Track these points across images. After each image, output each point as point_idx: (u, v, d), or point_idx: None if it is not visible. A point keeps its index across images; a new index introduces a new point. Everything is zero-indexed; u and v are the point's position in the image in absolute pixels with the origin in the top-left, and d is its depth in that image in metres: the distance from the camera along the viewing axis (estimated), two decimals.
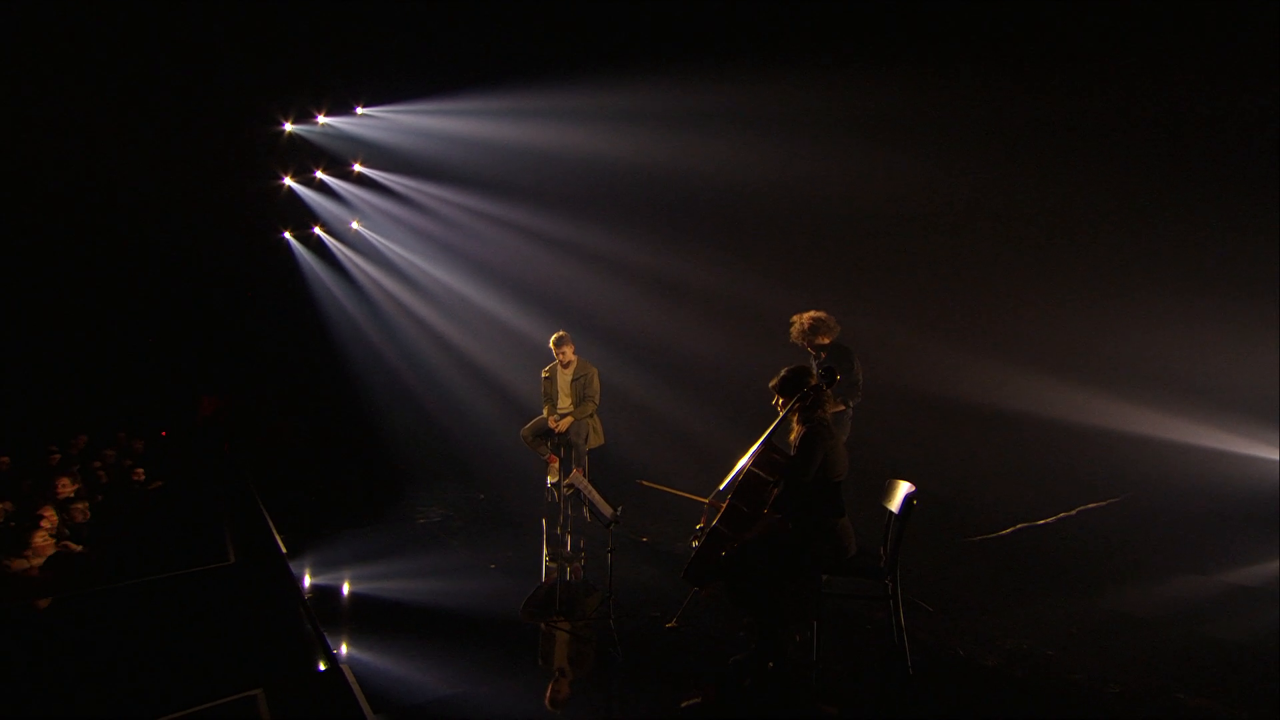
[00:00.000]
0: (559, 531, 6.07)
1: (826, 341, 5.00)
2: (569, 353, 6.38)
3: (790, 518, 3.75)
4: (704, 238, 7.74)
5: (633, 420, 7.41)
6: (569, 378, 6.41)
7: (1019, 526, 5.51)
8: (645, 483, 4.39)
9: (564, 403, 6.42)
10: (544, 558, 5.57)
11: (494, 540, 6.00)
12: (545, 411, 6.41)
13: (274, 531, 5.71)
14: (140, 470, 7.80)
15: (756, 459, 3.76)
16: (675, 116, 7.32)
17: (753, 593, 3.62)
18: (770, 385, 3.91)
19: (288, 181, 9.99)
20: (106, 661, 3.73)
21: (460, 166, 9.01)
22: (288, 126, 9.04)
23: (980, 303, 6.25)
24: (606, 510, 4.21)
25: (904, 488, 3.64)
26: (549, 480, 6.45)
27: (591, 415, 6.40)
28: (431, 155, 9.05)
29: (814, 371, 5.50)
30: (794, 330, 5.02)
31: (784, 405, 3.85)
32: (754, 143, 6.99)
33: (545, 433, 6.40)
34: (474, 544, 5.89)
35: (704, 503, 4.05)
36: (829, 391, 3.82)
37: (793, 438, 3.82)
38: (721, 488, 3.86)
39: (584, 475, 6.18)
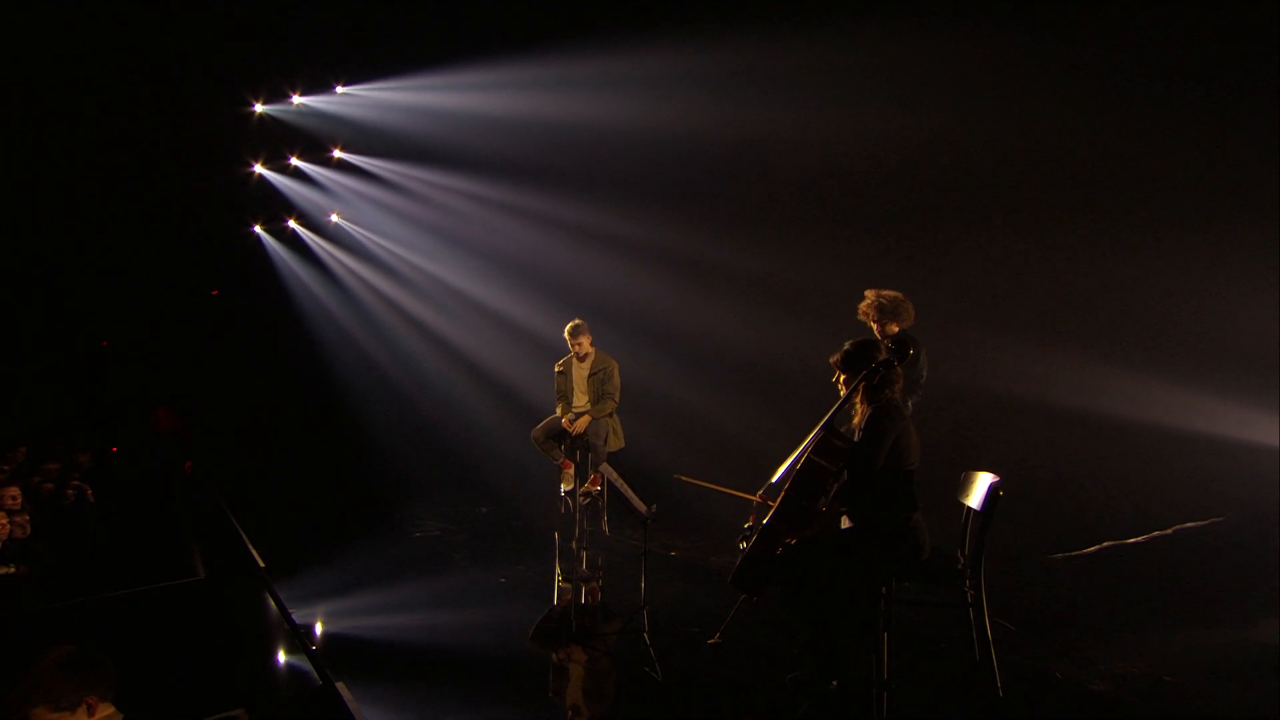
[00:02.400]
0: (574, 547, 6.00)
1: (896, 329, 4.93)
2: (586, 344, 6.30)
3: (855, 513, 3.63)
4: (730, 212, 7.68)
5: (655, 418, 7.31)
6: (586, 372, 6.33)
7: (1105, 545, 5.39)
8: (682, 477, 4.30)
9: (580, 400, 6.35)
10: (556, 577, 5.52)
11: (500, 556, 5.94)
12: (559, 410, 6.32)
13: (249, 545, 5.62)
14: (86, 486, 7.74)
15: (816, 446, 3.64)
16: (689, 79, 7.28)
17: (813, 600, 3.51)
18: (831, 360, 3.82)
19: (258, 169, 9.93)
20: None
21: (455, 147, 8.98)
22: (258, 107, 9.00)
23: (1066, 289, 6.15)
24: (641, 506, 4.11)
25: (985, 479, 3.53)
26: (562, 488, 6.36)
27: (611, 414, 6.32)
28: (422, 136, 9.02)
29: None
30: (865, 305, 4.94)
31: (847, 383, 3.75)
32: (784, 103, 6.92)
33: (559, 434, 6.32)
34: (478, 560, 5.84)
35: (751, 500, 3.96)
36: (900, 368, 3.71)
37: (856, 421, 3.73)
38: (774, 480, 3.75)
39: (602, 481, 6.12)
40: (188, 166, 9.24)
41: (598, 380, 6.31)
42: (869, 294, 4.99)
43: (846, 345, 3.80)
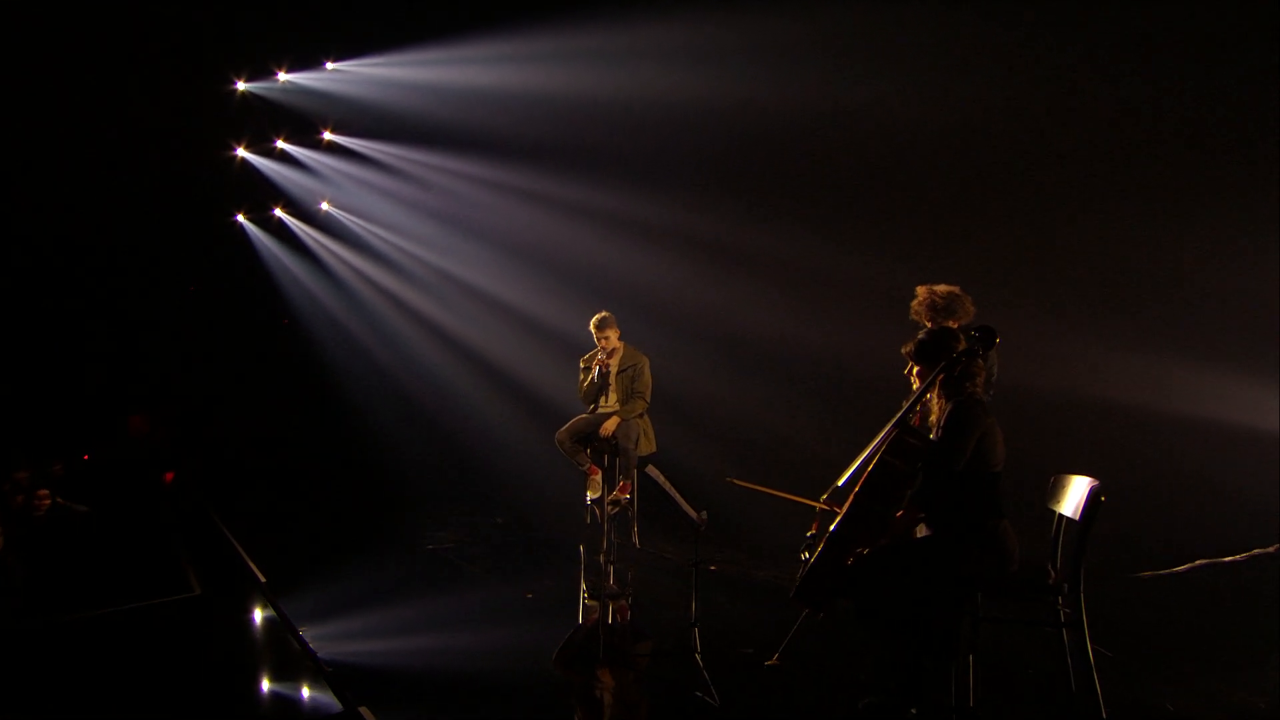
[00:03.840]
0: (601, 561, 5.90)
1: (954, 326, 4.77)
2: (613, 338, 6.23)
3: (935, 520, 3.54)
4: (767, 194, 7.61)
5: (688, 420, 7.28)
6: (614, 369, 6.27)
7: (1199, 563, 5.28)
8: (735, 481, 4.22)
9: (609, 400, 6.30)
10: (582, 594, 5.44)
11: (521, 571, 5.90)
12: (586, 393, 6.32)
13: (246, 559, 5.55)
14: (57, 496, 7.67)
15: (889, 445, 3.56)
16: (726, 47, 7.23)
17: (889, 617, 3.41)
18: (904, 351, 3.76)
19: (241, 152, 9.86)
20: (65, 706, 3.61)
21: (458, 127, 8.92)
22: (240, 85, 8.92)
23: (1152, 280, 6.05)
24: (692, 513, 4.02)
25: (1081, 483, 3.43)
26: (588, 496, 6.29)
27: (642, 415, 6.26)
28: (421, 115, 8.95)
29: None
30: (918, 303, 4.87)
31: (921, 376, 3.68)
32: (835, 76, 6.86)
33: (586, 437, 6.24)
34: (497, 575, 5.80)
35: (814, 506, 3.88)
36: (983, 360, 3.61)
37: (933, 418, 3.65)
38: (840, 484, 3.68)
39: (633, 488, 6.06)
40: (162, 150, 9.17)
41: (626, 378, 6.25)
42: (920, 291, 4.92)
43: (922, 334, 3.74)
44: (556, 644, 4.48)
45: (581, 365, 6.44)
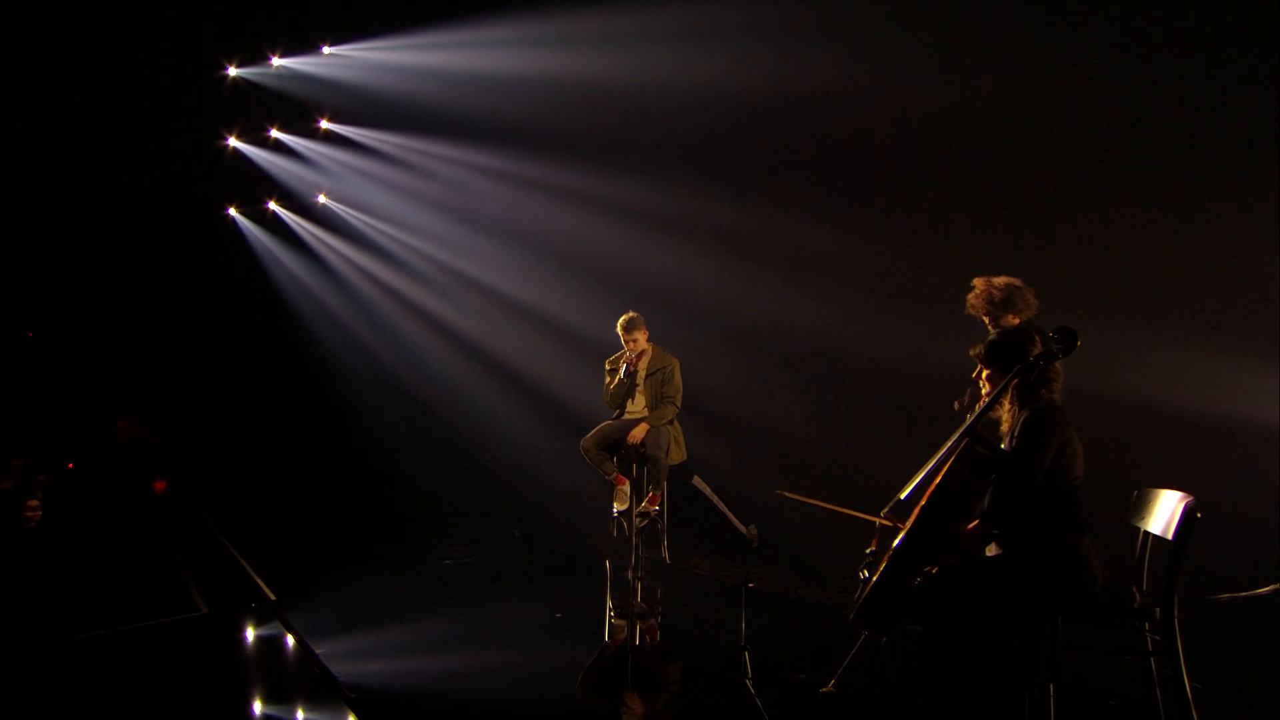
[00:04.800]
0: (629, 577, 5.73)
1: (1015, 321, 4.79)
2: (642, 340, 6.19)
3: (1009, 537, 3.44)
4: (805, 186, 7.53)
5: (722, 427, 7.25)
6: (642, 372, 6.23)
7: None
8: (785, 493, 4.13)
9: (636, 404, 6.25)
10: (608, 612, 5.40)
11: (543, 587, 5.87)
12: (612, 395, 6.30)
13: (253, 575, 5.47)
14: (38, 506, 7.63)
15: (958, 455, 3.46)
16: (761, 26, 7.18)
17: (961, 642, 3.31)
18: (973, 353, 3.67)
19: (232, 142, 9.76)
20: None
21: (466, 114, 8.86)
22: (232, 70, 8.87)
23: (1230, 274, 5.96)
24: (742, 528, 3.95)
25: (1172, 499, 3.34)
26: (615, 508, 6.25)
27: (672, 421, 6.20)
28: (425, 102, 8.91)
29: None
30: (974, 296, 4.84)
31: (992, 380, 3.61)
32: (884, 58, 6.79)
33: (613, 444, 6.19)
34: (519, 591, 5.80)
35: (873, 521, 3.81)
36: (1061, 364, 3.51)
37: (1006, 426, 3.58)
38: (903, 497, 3.60)
39: (663, 499, 6.00)
40: (148, 140, 9.08)
41: (656, 381, 6.20)
42: (977, 283, 4.88)
43: (994, 335, 3.66)
44: (581, 666, 4.44)
45: (607, 367, 6.39)
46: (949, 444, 3.52)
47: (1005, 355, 3.54)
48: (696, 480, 4.14)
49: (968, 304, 4.89)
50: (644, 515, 6.05)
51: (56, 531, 7.10)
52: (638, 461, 6.20)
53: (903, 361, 6.54)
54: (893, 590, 3.45)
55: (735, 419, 7.46)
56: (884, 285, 6.99)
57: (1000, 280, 4.81)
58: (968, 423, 3.56)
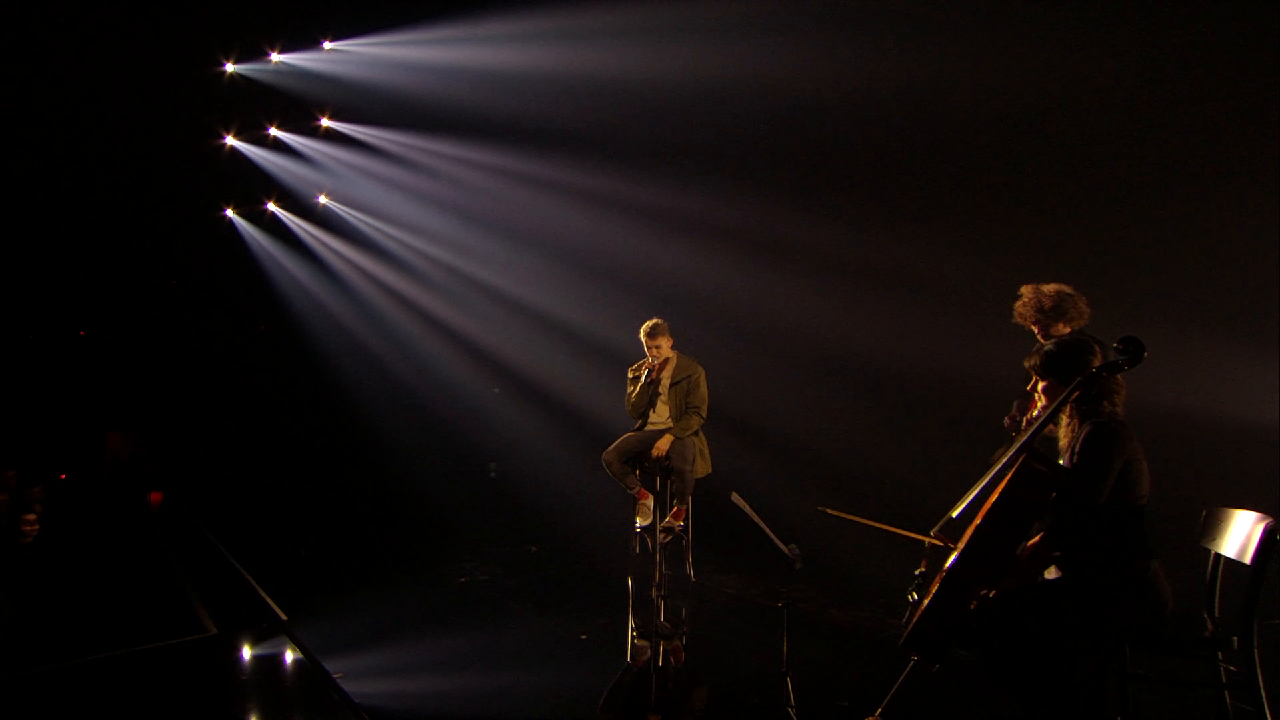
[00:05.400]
0: (653, 596, 5.79)
1: (1066, 330, 4.74)
2: (665, 347, 6.15)
3: (1072, 559, 3.35)
4: (837, 188, 7.49)
5: (747, 439, 7.19)
6: (666, 380, 6.19)
7: None
8: (827, 510, 4.06)
9: (660, 414, 6.21)
10: (630, 632, 5.36)
11: (562, 605, 5.86)
12: (634, 404, 6.25)
13: (263, 594, 5.46)
14: (35, 520, 7.61)
15: (1016, 473, 3.37)
16: (790, 15, 7.12)
17: (1023, 673, 3.22)
18: (1028, 364, 3.59)
19: (230, 141, 9.76)
20: None
21: (478, 112, 8.83)
22: (229, 66, 8.88)
23: None
24: (783, 546, 3.89)
25: (1247, 520, 3.24)
26: (638, 523, 6.20)
27: (697, 432, 6.17)
28: (430, 99, 8.89)
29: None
30: (1022, 304, 4.79)
31: (1049, 392, 3.52)
32: (920, 45, 6.79)
33: (636, 457, 6.16)
34: (537, 610, 5.79)
35: (922, 540, 3.77)
36: (1123, 376, 3.42)
37: (1064, 442, 3.48)
38: (954, 515, 3.50)
39: (688, 514, 5.97)
40: (143, 139, 9.09)
41: (680, 391, 6.15)
42: (1025, 291, 4.82)
43: (1049, 344, 3.57)
44: (602, 689, 4.41)
45: (629, 375, 6.36)
46: (1003, 460, 3.43)
47: (1064, 366, 3.45)
48: (735, 497, 4.08)
49: (1015, 312, 4.84)
50: (668, 531, 6.00)
51: (54, 547, 7.08)
52: (662, 475, 6.16)
53: (946, 370, 6.49)
54: (946, 614, 3.36)
55: (764, 429, 7.41)
56: (929, 290, 6.93)
57: (1050, 287, 4.75)
58: (1023, 438, 3.46)
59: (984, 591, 3.35)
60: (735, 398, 6.98)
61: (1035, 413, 5.14)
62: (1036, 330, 4.82)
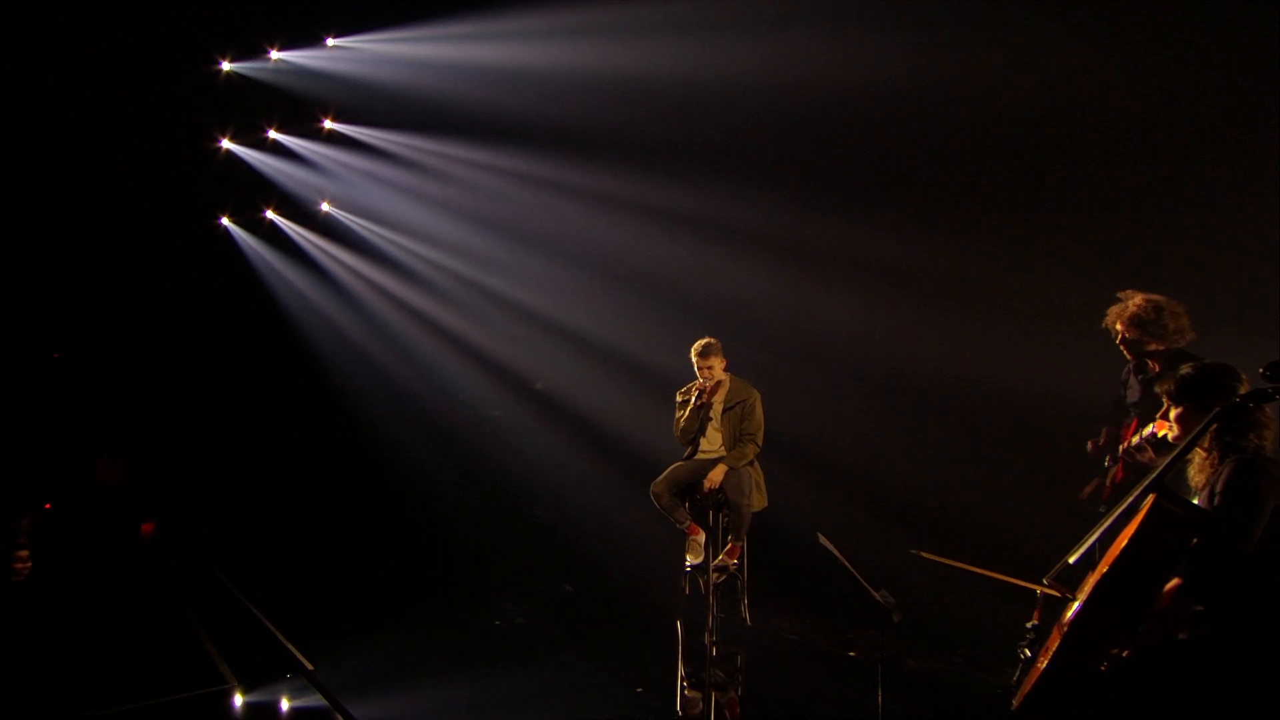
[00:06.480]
0: (706, 641, 5.61)
1: (1161, 348, 4.67)
2: (718, 368, 5.99)
3: (1219, 614, 3.16)
4: (906, 190, 7.38)
5: (806, 469, 7.05)
6: (719, 405, 6.03)
7: None
8: (923, 554, 3.92)
9: (712, 442, 6.05)
10: (680, 681, 5.29)
11: (606, 650, 5.87)
12: (684, 430, 6.12)
13: (284, 641, 5.36)
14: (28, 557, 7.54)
15: (1149, 514, 3.22)
16: (812, 13, 7.06)
17: None
18: (1159, 389, 3.49)
19: (226, 144, 9.62)
20: None
21: (494, 112, 8.71)
22: (225, 64, 8.78)
23: None
24: (876, 594, 3.74)
25: None
26: (688, 561, 5.99)
27: (753, 462, 6.01)
28: (444, 98, 8.79)
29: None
30: (1115, 318, 4.75)
31: (1184, 422, 3.40)
32: (986, 37, 6.65)
33: (687, 489, 5.99)
34: (579, 656, 5.78)
35: (1033, 590, 3.63)
36: (1272, 408, 3.28)
37: (1199, 479, 3.35)
38: (1071, 561, 3.40)
39: (743, 551, 5.85)
40: (131, 142, 8.98)
41: (734, 416, 5.99)
42: (1120, 301, 4.77)
43: (1186, 369, 3.43)
44: None
45: (678, 399, 6.22)
46: (1130, 498, 3.29)
47: (1204, 393, 3.33)
48: (822, 539, 3.93)
49: (1106, 325, 4.81)
50: (722, 570, 5.82)
51: (50, 586, 6.98)
52: (715, 509, 5.97)
53: (1015, 388, 6.37)
54: (1070, 674, 3.24)
55: (824, 458, 7.31)
56: (1010, 303, 6.81)
57: (1140, 299, 4.70)
58: (1155, 473, 3.31)
59: (1115, 649, 3.20)
60: (790, 423, 6.88)
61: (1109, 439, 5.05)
62: (1126, 349, 4.80)
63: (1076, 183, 6.85)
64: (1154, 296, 4.70)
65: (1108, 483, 5.01)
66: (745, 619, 5.88)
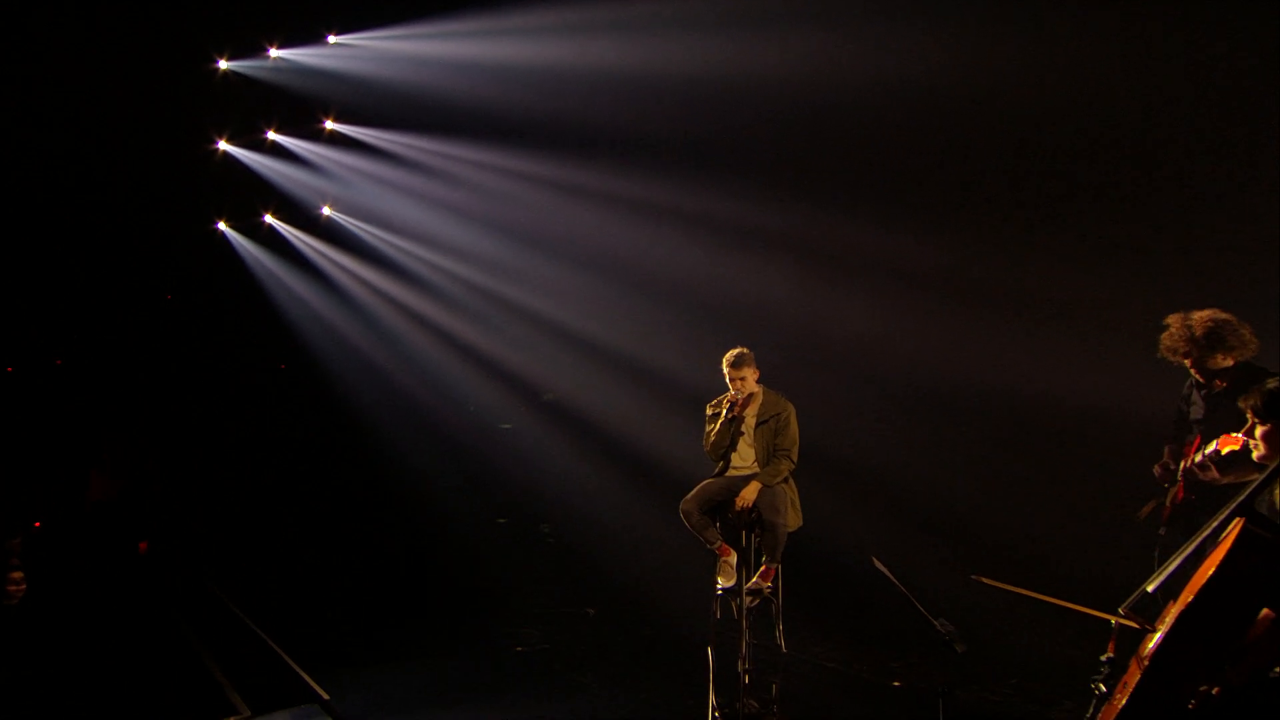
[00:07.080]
0: (739, 669, 5.51)
1: (1229, 363, 4.64)
2: (751, 379, 5.89)
3: None
4: (957, 190, 7.33)
5: (845, 487, 6.95)
6: (751, 419, 5.94)
7: None
8: (983, 579, 3.80)
9: (744, 458, 5.96)
10: (711, 709, 5.23)
11: (633, 678, 5.81)
12: (714, 445, 6.06)
13: (298, 669, 5.39)
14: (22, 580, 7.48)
15: (1238, 540, 3.12)
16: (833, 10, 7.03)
17: None
18: (1243, 403, 3.36)
19: (223, 145, 9.69)
20: None
21: (500, 112, 8.74)
22: (223, 63, 8.84)
23: None
24: (936, 624, 3.67)
25: None
26: (720, 584, 5.88)
27: (787, 479, 5.91)
28: (450, 98, 8.80)
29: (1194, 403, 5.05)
30: (1171, 336, 4.71)
31: (1271, 440, 3.28)
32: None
33: (718, 507, 5.91)
34: (605, 684, 5.71)
35: (1107, 620, 3.51)
36: None
37: None
38: (1150, 589, 3.34)
39: (778, 573, 5.83)
40: (125, 144, 9.04)
41: (768, 431, 5.90)
42: (1172, 321, 4.74)
43: (1273, 383, 3.32)
44: None
45: (709, 412, 6.14)
46: (1214, 523, 3.24)
47: None
48: (877, 563, 3.81)
49: (1161, 345, 4.77)
50: (755, 593, 5.73)
51: (46, 609, 6.91)
52: (748, 528, 5.88)
53: (1068, 401, 6.30)
54: (1152, 712, 3.15)
55: (860, 473, 7.26)
56: (1067, 311, 6.76)
57: (1202, 315, 4.66)
58: (1243, 495, 3.24)
59: (1204, 686, 3.10)
60: (824, 437, 6.82)
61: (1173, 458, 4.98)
62: (1190, 364, 4.76)
63: (1118, 187, 6.80)
64: (1209, 313, 4.68)
65: (1168, 502, 4.95)
66: (780, 645, 5.82)
